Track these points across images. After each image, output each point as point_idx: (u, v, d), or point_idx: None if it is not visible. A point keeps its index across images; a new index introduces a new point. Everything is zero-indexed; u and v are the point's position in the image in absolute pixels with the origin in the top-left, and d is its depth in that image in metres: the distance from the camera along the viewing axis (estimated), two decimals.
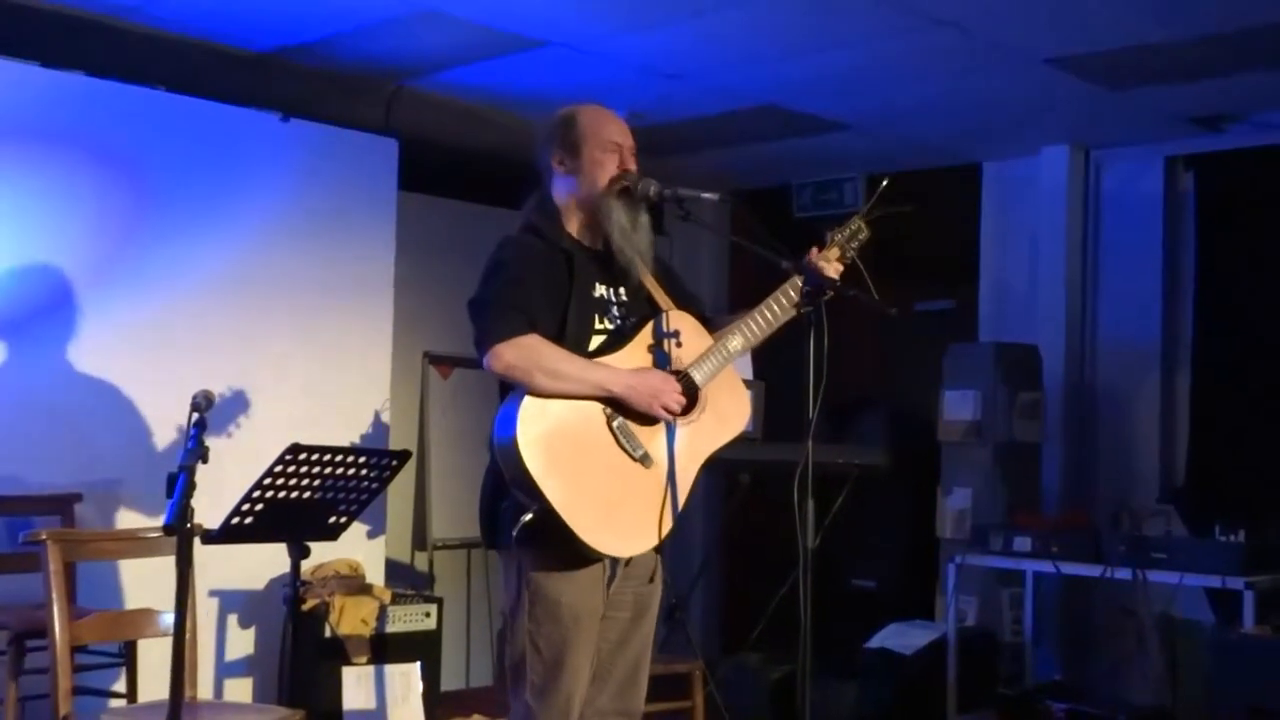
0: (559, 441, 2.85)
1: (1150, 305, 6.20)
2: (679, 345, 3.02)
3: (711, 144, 6.44)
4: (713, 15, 4.59)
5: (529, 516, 2.83)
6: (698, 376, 3.01)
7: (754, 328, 3.07)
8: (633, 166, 3.10)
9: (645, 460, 2.93)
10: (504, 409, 2.89)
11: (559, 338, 2.93)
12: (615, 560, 2.99)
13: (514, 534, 2.84)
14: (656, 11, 4.58)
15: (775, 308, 3.08)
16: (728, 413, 3.09)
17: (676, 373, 2.99)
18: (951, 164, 6.67)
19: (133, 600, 4.52)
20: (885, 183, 3.18)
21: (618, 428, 2.91)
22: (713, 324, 3.17)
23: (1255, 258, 5.84)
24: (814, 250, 3.13)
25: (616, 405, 2.91)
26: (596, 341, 3.02)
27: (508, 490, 2.91)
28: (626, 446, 2.92)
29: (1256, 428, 5.74)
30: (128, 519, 4.64)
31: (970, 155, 6.61)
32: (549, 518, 2.81)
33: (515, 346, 2.86)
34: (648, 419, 2.93)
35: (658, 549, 3.08)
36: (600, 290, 3.06)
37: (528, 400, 2.84)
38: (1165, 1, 4.36)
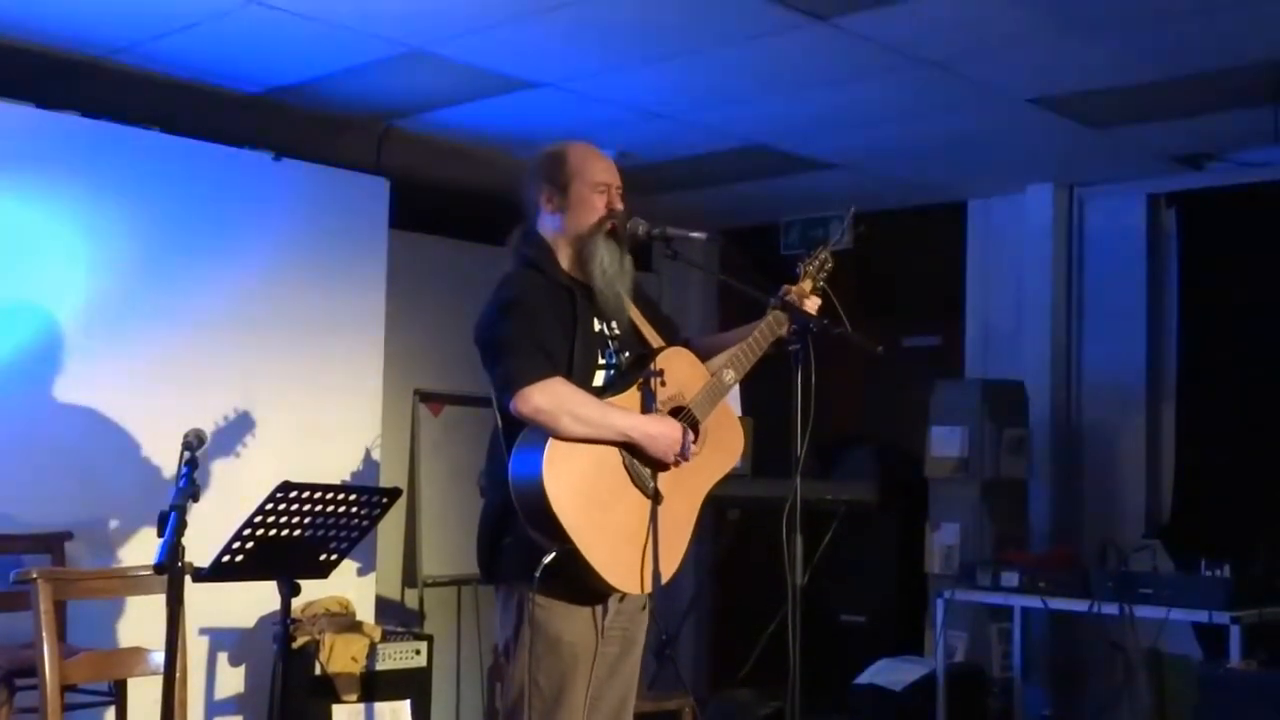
0: (582, 483, 2.89)
1: (1135, 342, 6.24)
2: (674, 382, 3.05)
3: (699, 183, 6.48)
4: (700, 56, 4.64)
5: (551, 557, 2.84)
6: (699, 412, 3.06)
7: (743, 359, 3.13)
8: (620, 206, 3.14)
9: (658, 496, 2.97)
10: (524, 450, 2.90)
11: (566, 374, 2.97)
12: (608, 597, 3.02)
13: (536, 575, 2.84)
14: (644, 52, 4.63)
15: (760, 339, 3.15)
16: (726, 443, 3.16)
17: (680, 409, 3.04)
18: (937, 202, 6.72)
19: (123, 639, 4.51)
20: (852, 210, 3.35)
21: (630, 465, 2.96)
22: (693, 345, 3.25)
23: (1237, 294, 5.89)
24: (786, 287, 3.21)
25: (631, 449, 2.95)
26: (599, 377, 3.06)
27: (510, 526, 2.94)
28: (640, 484, 2.96)
29: (1241, 462, 5.76)
30: (119, 557, 4.64)
31: (956, 193, 6.66)
32: (572, 558, 2.84)
33: (544, 390, 2.88)
34: (658, 463, 2.97)
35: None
36: (599, 325, 3.11)
37: (553, 443, 2.86)
38: (1144, 43, 4.42)
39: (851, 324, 3.06)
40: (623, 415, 2.94)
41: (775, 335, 3.15)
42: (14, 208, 4.55)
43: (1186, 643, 5.36)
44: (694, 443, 3.03)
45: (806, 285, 3.24)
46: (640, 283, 3.24)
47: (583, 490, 2.88)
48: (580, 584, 2.90)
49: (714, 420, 3.11)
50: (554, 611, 2.94)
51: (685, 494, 3.04)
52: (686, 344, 3.25)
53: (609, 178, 3.15)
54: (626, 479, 2.95)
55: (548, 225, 3.16)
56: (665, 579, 2.99)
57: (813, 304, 3.21)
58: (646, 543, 2.96)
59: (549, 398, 2.88)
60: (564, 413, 2.87)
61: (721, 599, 7.36)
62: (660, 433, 2.95)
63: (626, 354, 3.12)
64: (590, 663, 2.99)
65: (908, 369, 6.37)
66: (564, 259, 3.13)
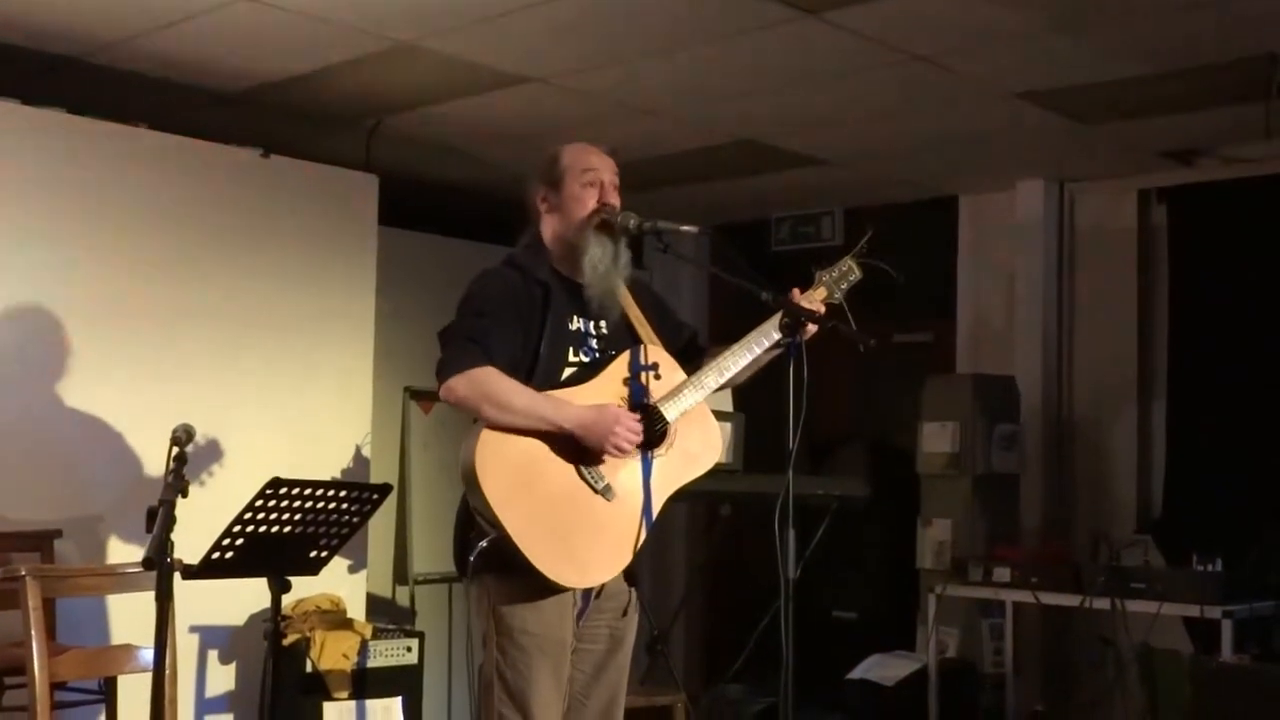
0: (519, 471, 2.88)
1: (1126, 337, 6.25)
2: (658, 378, 3.03)
3: (690, 178, 6.47)
4: (690, 51, 4.63)
5: (484, 543, 2.87)
6: (669, 412, 3.01)
7: (733, 364, 3.07)
8: (613, 199, 3.10)
9: (607, 492, 2.95)
10: (468, 438, 2.91)
11: (531, 369, 2.95)
12: (587, 591, 3.01)
13: (470, 559, 2.88)
14: (634, 48, 4.62)
15: (754, 346, 3.08)
16: (696, 449, 3.08)
17: (647, 406, 3.00)
18: (928, 197, 6.72)
19: (113, 636, 4.50)
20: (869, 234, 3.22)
21: (578, 459, 2.93)
22: (706, 355, 3.17)
23: (1228, 289, 5.90)
24: (795, 291, 3.13)
25: (571, 441, 2.91)
26: (569, 374, 3.03)
27: (477, 522, 2.93)
28: (588, 478, 2.93)
29: (1232, 457, 5.77)
30: (108, 554, 4.62)
31: (947, 188, 6.66)
32: (505, 546, 2.83)
33: (467, 379, 2.88)
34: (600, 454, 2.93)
35: (631, 583, 3.11)
36: (577, 323, 3.07)
37: (487, 430, 2.87)
38: (1134, 38, 4.42)
39: (845, 321, 3.03)
40: (554, 405, 2.91)
41: (771, 335, 3.06)
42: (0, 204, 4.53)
43: (1178, 637, 5.37)
44: (663, 442, 2.99)
45: (818, 293, 3.16)
46: (648, 283, 3.21)
47: (519, 478, 2.87)
48: (532, 577, 2.87)
49: (688, 423, 3.05)
50: (518, 605, 2.93)
51: (642, 494, 2.99)
52: (702, 354, 3.19)
53: (599, 164, 3.12)
54: (573, 472, 2.93)
55: (546, 226, 3.14)
56: (606, 578, 2.99)
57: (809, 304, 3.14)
58: (624, 540, 2.95)
59: (470, 386, 2.87)
60: (485, 400, 2.86)
61: (713, 594, 7.35)
62: (594, 421, 2.90)
63: (612, 353, 3.08)
64: (559, 656, 2.97)
65: (899, 365, 6.36)
66: (559, 257, 3.11)
